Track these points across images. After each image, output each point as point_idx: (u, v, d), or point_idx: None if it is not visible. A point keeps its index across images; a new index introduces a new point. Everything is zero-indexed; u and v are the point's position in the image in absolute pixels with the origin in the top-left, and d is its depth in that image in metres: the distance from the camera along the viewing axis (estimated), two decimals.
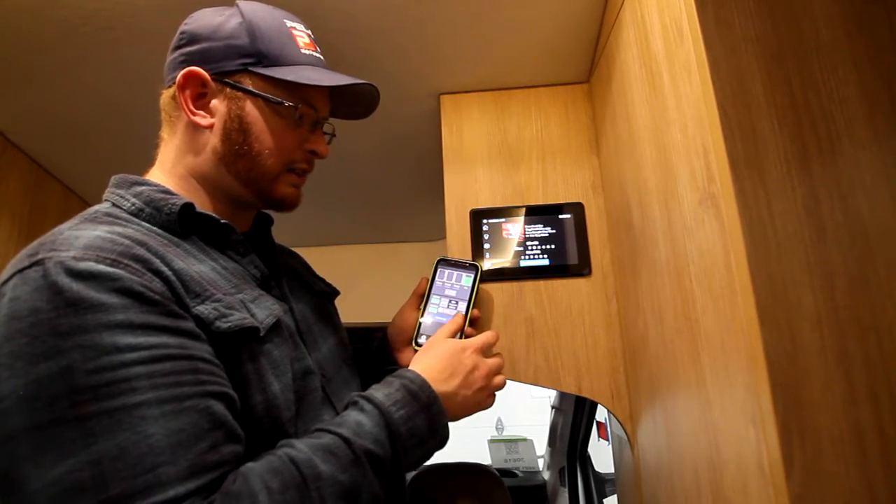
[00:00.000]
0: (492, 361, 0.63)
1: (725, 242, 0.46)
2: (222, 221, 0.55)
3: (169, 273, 0.46)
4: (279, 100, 0.56)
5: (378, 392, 0.53)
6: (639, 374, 0.74)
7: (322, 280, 0.76)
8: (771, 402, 0.39)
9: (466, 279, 0.73)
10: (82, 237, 0.44)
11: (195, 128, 0.57)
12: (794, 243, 0.43)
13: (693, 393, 0.55)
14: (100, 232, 0.46)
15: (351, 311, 1.49)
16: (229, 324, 0.48)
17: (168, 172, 0.58)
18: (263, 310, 0.53)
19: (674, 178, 0.57)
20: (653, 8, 0.60)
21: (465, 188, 0.90)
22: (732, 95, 0.46)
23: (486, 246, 0.87)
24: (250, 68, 0.56)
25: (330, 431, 0.48)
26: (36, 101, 0.90)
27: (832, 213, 0.43)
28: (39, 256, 0.42)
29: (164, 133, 0.60)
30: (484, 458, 2.24)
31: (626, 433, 0.79)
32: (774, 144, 0.45)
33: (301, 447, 0.46)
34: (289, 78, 0.55)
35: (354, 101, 0.66)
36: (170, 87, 0.58)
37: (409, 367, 0.58)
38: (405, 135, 1.03)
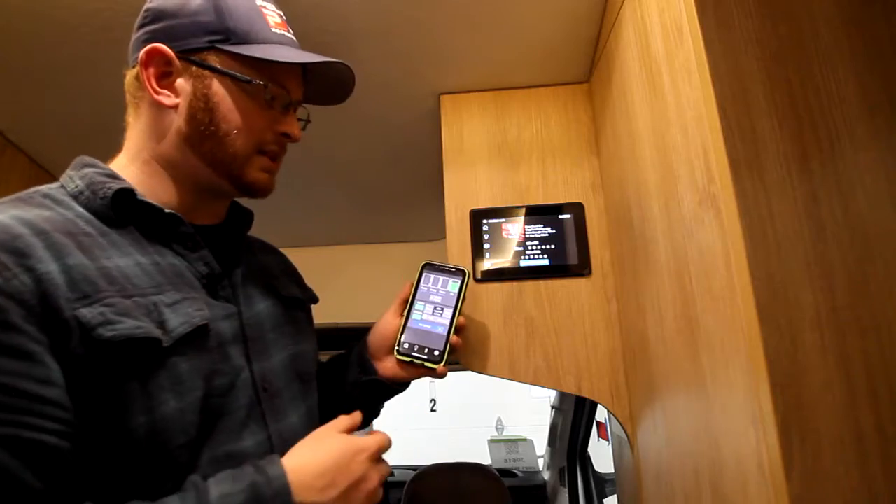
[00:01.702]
0: (380, 474, 0.52)
1: (725, 242, 0.46)
2: (167, 211, 0.51)
3: (49, 270, 0.42)
4: (247, 78, 0.53)
5: (217, 486, 0.44)
6: (639, 374, 0.74)
7: (298, 284, 0.70)
8: (771, 403, 0.40)
9: (453, 285, 0.70)
10: None
11: (159, 108, 0.54)
12: (794, 243, 0.43)
13: (693, 393, 0.55)
14: (3, 216, 0.43)
15: (350, 312, 1.49)
16: (113, 332, 0.42)
17: (132, 158, 0.55)
18: (180, 316, 0.47)
19: (674, 178, 0.57)
20: (653, 8, 0.60)
21: (465, 188, 0.90)
22: (732, 96, 0.46)
23: (486, 246, 0.87)
24: (217, 45, 0.53)
25: None
26: (36, 101, 0.90)
27: (832, 213, 0.43)
28: None
29: (129, 117, 0.57)
30: (484, 458, 2.24)
31: (626, 433, 0.79)
32: (774, 144, 0.45)
33: None
34: (257, 55, 0.52)
35: (329, 85, 0.62)
36: (133, 67, 0.55)
37: (286, 457, 0.48)
38: (405, 135, 1.03)
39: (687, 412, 0.57)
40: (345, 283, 1.49)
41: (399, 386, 0.74)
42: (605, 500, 1.95)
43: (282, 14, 0.60)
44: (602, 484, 1.97)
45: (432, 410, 5.29)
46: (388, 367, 0.72)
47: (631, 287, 0.75)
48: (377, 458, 0.51)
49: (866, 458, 0.39)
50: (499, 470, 1.95)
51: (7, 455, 0.37)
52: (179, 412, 0.45)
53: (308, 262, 1.28)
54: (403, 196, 1.27)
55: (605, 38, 0.80)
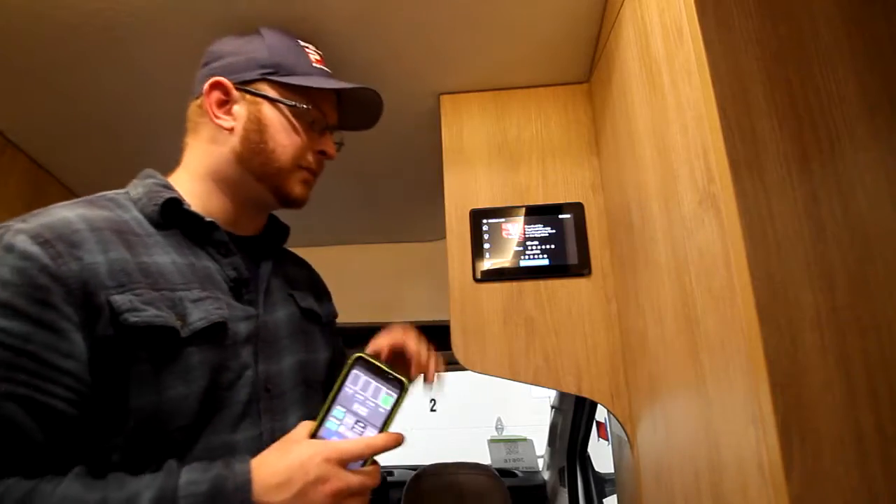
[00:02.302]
0: (352, 477, 0.49)
1: (725, 242, 0.46)
2: (206, 220, 0.58)
3: (96, 261, 0.49)
4: (293, 102, 0.63)
5: (188, 473, 0.47)
6: (638, 374, 0.74)
7: (318, 299, 0.73)
8: (771, 403, 0.40)
9: (386, 398, 0.53)
10: (52, 214, 0.50)
11: (218, 131, 0.62)
12: (794, 243, 0.43)
13: (693, 393, 0.55)
14: (68, 212, 0.51)
15: (350, 311, 1.49)
16: (137, 318, 0.48)
17: (189, 173, 0.63)
18: (200, 311, 0.53)
19: (674, 178, 0.57)
20: (653, 8, 0.60)
21: (464, 188, 0.90)
22: (732, 96, 0.46)
23: (486, 246, 0.87)
24: (268, 77, 0.63)
25: (106, 490, 0.44)
26: (36, 101, 0.90)
27: (832, 214, 0.43)
28: (9, 223, 0.49)
29: (189, 139, 0.65)
30: (484, 458, 2.24)
31: (626, 433, 0.79)
32: (774, 145, 0.45)
33: (60, 490, 0.44)
34: (301, 83, 0.63)
35: (360, 111, 0.72)
36: (197, 98, 0.64)
37: (257, 457, 0.50)
38: (405, 135, 1.03)
39: (687, 412, 0.57)
40: (343, 283, 1.49)
41: None
42: (604, 500, 1.95)
43: (321, 53, 0.72)
44: (602, 484, 1.97)
45: (432, 410, 5.29)
46: None
47: (631, 287, 0.75)
48: (341, 461, 0.49)
49: (866, 458, 0.39)
50: (499, 470, 1.95)
51: (21, 411, 0.44)
52: (184, 398, 0.50)
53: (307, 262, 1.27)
54: (403, 196, 1.27)
55: (604, 38, 0.80)
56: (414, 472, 1.72)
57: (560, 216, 0.87)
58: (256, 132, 0.62)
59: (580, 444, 1.99)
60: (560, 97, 0.93)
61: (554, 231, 0.87)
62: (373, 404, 0.53)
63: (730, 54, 0.47)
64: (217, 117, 0.62)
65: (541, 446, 2.32)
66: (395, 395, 0.53)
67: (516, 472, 2.26)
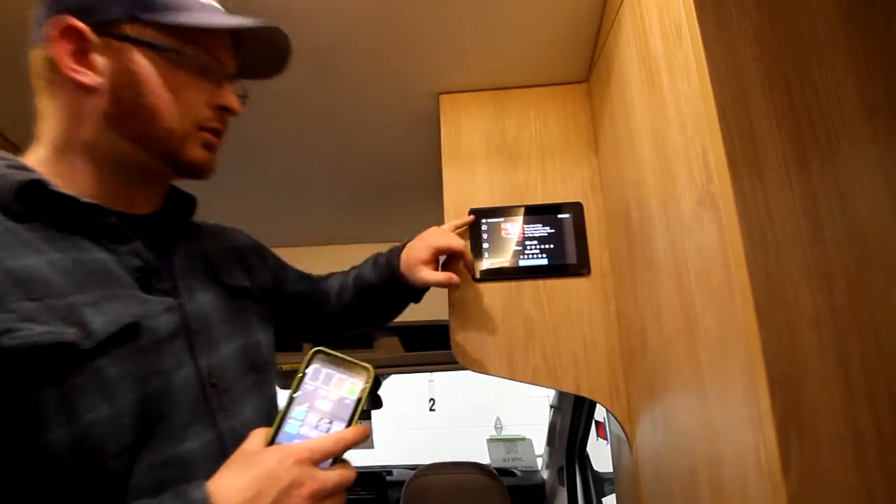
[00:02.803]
0: (328, 475, 0.44)
1: (724, 242, 0.46)
2: (83, 201, 0.46)
3: None
4: (175, 47, 0.49)
5: None
6: (637, 373, 0.74)
7: (248, 271, 0.65)
8: (769, 402, 0.40)
9: (351, 389, 0.49)
10: None
11: (78, 89, 0.48)
12: (793, 243, 0.43)
13: (692, 392, 0.55)
14: None
15: None
16: (15, 341, 0.38)
17: (49, 148, 0.50)
18: (104, 315, 0.43)
19: (672, 177, 0.57)
20: (652, 8, 0.60)
21: (464, 187, 0.90)
22: (731, 95, 0.46)
23: (485, 245, 0.87)
24: (138, 15, 0.48)
25: None
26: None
27: (830, 214, 0.44)
28: None
29: (41, 104, 0.51)
30: (483, 457, 2.25)
31: (625, 432, 0.79)
32: (773, 144, 0.45)
33: None
34: (184, 22, 0.48)
35: (264, 55, 0.58)
36: (40, 46, 0.49)
37: (212, 479, 0.43)
38: (404, 134, 1.03)
39: (685, 411, 0.57)
40: None
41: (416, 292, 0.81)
42: (603, 500, 1.95)
43: None
44: (601, 483, 1.97)
45: (431, 410, 5.29)
46: (422, 274, 0.77)
47: (629, 286, 0.75)
48: (313, 461, 0.44)
49: (864, 456, 0.39)
50: (498, 469, 1.96)
51: None
52: (112, 418, 0.42)
53: (306, 261, 1.28)
54: (402, 195, 1.27)
55: (604, 37, 0.80)
56: (413, 472, 1.72)
57: (559, 216, 0.87)
58: (129, 88, 0.48)
59: (579, 444, 1.99)
60: (559, 97, 0.93)
61: (553, 230, 0.87)
62: (337, 397, 0.48)
63: (729, 54, 0.47)
64: (74, 70, 0.47)
65: (540, 446, 2.33)
66: (362, 384, 0.49)
67: (515, 471, 2.26)
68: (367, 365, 0.50)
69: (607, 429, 1.21)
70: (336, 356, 0.50)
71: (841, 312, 0.41)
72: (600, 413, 2.06)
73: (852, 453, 0.39)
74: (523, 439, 2.40)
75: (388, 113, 0.97)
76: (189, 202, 0.61)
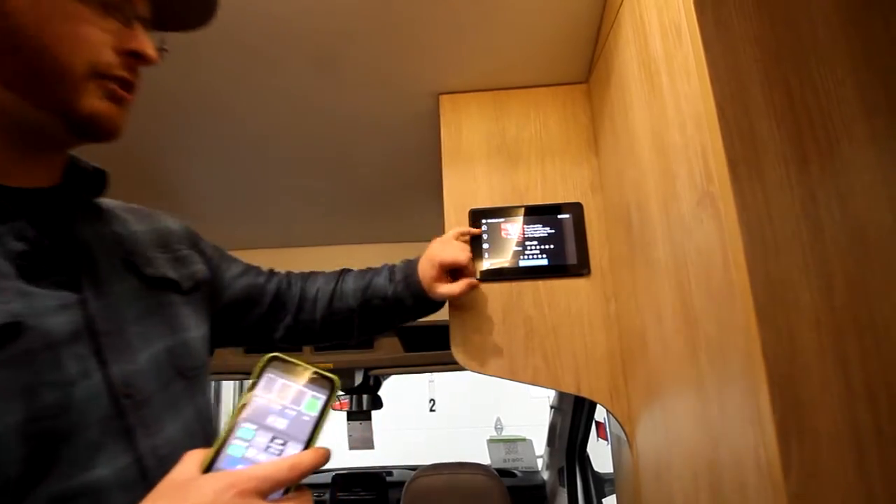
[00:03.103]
0: None
1: (724, 242, 0.46)
2: None
3: None
4: None
5: None
6: (637, 373, 0.74)
7: (179, 258, 0.57)
8: (769, 402, 0.40)
9: (311, 403, 0.41)
10: None
11: None
12: (792, 243, 0.43)
13: (691, 392, 0.55)
14: None
15: None
16: None
17: None
18: None
19: (672, 178, 0.57)
20: (651, 8, 0.60)
21: (463, 188, 0.90)
22: (731, 95, 0.46)
23: (485, 246, 0.87)
24: None
25: None
26: None
27: (830, 214, 0.44)
28: None
29: None
30: (483, 458, 2.24)
31: (625, 433, 0.79)
32: (773, 145, 0.45)
33: None
34: None
35: (185, 2, 0.50)
36: None
37: None
38: (404, 134, 1.04)
39: (685, 412, 0.57)
40: None
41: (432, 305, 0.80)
42: (604, 500, 1.95)
43: None
44: (601, 484, 1.97)
45: (431, 410, 5.29)
46: (440, 288, 0.76)
47: (629, 287, 0.75)
48: (260, 491, 0.36)
49: (864, 457, 0.39)
50: (498, 470, 1.96)
51: None
52: None
53: (304, 262, 1.28)
54: (402, 195, 1.27)
55: (603, 38, 0.81)
56: (413, 473, 1.72)
57: (559, 216, 0.87)
58: (10, 17, 0.39)
59: (579, 445, 1.99)
60: (559, 97, 0.93)
61: (553, 231, 0.87)
62: (294, 413, 0.41)
63: (728, 54, 0.47)
64: None
65: (540, 446, 2.32)
66: (324, 398, 0.41)
67: (515, 472, 2.26)
68: (331, 375, 0.43)
69: (607, 429, 1.21)
70: (295, 364, 0.42)
71: (841, 313, 0.41)
72: (600, 414, 2.06)
73: (852, 453, 0.39)
74: (524, 440, 2.40)
75: (387, 113, 0.97)
76: (97, 177, 0.50)
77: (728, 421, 0.47)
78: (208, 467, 0.38)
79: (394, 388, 2.48)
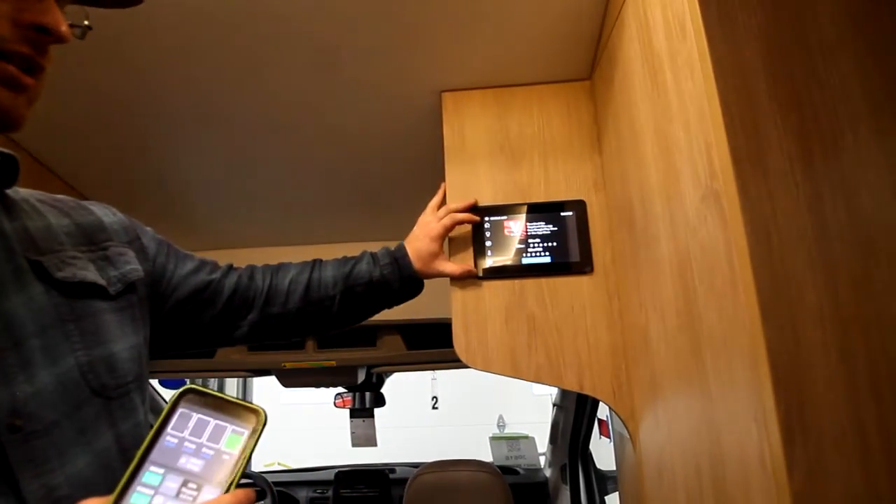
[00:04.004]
0: None
1: (728, 239, 0.45)
2: None
3: None
4: None
5: None
6: (641, 371, 0.74)
7: (108, 257, 0.49)
8: (773, 400, 0.39)
9: (232, 440, 0.37)
10: None
11: None
12: (797, 240, 0.43)
13: (695, 390, 0.55)
14: None
15: None
16: None
17: None
18: None
19: (676, 174, 0.57)
20: (655, 4, 0.60)
21: (466, 186, 0.90)
22: (735, 91, 0.46)
23: (488, 244, 0.87)
24: None
25: None
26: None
27: (835, 211, 0.43)
28: None
29: None
30: (486, 455, 2.25)
31: (628, 430, 0.79)
32: (777, 141, 0.44)
33: None
34: None
35: None
36: None
37: None
38: (406, 131, 1.03)
39: (689, 409, 0.57)
40: None
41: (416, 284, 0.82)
42: (606, 498, 1.95)
43: None
44: (604, 481, 1.97)
45: (434, 408, 5.30)
46: (434, 264, 0.80)
47: (633, 284, 0.75)
48: None
49: (869, 454, 0.39)
50: (500, 467, 1.96)
51: None
52: None
53: (305, 258, 1.27)
54: (403, 193, 1.27)
55: (607, 34, 0.80)
56: (415, 470, 1.73)
57: (562, 214, 0.87)
58: None
59: (582, 442, 1.99)
60: (562, 94, 0.93)
61: (556, 229, 0.86)
62: (211, 452, 0.36)
63: (733, 49, 0.47)
64: None
65: (542, 444, 2.32)
66: (247, 433, 0.37)
67: (518, 469, 2.27)
68: (256, 407, 0.38)
69: (610, 427, 1.21)
70: (214, 396, 0.38)
71: (845, 310, 0.41)
72: (603, 411, 2.05)
73: (857, 452, 0.39)
74: (526, 437, 2.40)
75: (389, 109, 0.97)
76: (8, 164, 0.43)
77: (732, 418, 0.47)
78: (122, 490, 0.33)
79: (396, 385, 2.49)
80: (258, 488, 1.99)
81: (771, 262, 0.42)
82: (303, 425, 4.84)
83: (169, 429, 0.36)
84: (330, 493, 2.09)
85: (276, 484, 2.06)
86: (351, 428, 2.23)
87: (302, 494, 2.16)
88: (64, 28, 0.39)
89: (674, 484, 0.62)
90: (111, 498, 0.33)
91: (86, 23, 0.42)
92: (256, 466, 2.57)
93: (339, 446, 2.52)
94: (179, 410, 0.37)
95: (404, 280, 0.80)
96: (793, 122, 0.45)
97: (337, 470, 2.18)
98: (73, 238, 0.48)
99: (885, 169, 0.44)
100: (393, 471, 2.19)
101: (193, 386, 0.38)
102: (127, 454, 0.43)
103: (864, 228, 0.43)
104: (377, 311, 0.82)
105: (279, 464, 3.68)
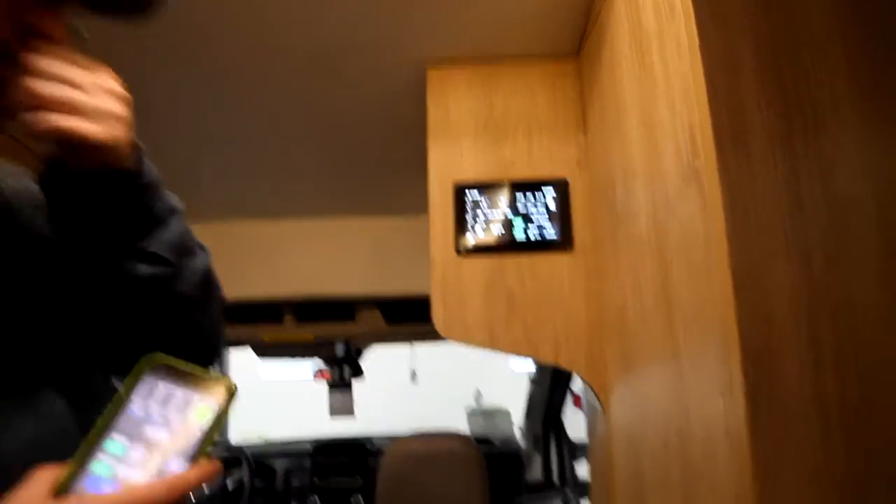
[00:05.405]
0: None
1: (707, 218, 0.46)
2: None
3: None
4: None
5: None
6: (615, 346, 0.76)
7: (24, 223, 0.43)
8: (741, 373, 0.41)
9: (200, 413, 0.36)
10: None
11: None
12: (774, 221, 0.44)
13: (667, 365, 0.56)
14: None
15: (330, 282, 1.48)
16: None
17: None
18: None
19: (658, 154, 0.57)
20: None
21: (449, 161, 0.89)
22: (721, 70, 0.46)
23: (470, 220, 0.87)
24: None
25: None
26: None
27: (812, 192, 0.44)
28: None
29: None
30: (462, 429, 2.30)
31: (600, 402, 0.81)
32: (760, 120, 0.45)
33: None
34: None
35: None
36: None
37: None
38: (389, 104, 1.01)
39: (659, 382, 0.58)
40: (323, 256, 1.48)
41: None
42: (575, 465, 2.03)
43: None
44: (574, 450, 2.05)
45: (413, 382, 5.37)
46: None
47: (612, 263, 0.76)
48: None
49: (829, 430, 0.40)
50: (476, 438, 2.01)
51: None
52: None
53: (281, 232, 1.26)
54: (385, 168, 1.25)
55: (595, 11, 0.79)
56: (391, 441, 1.76)
57: (544, 192, 0.87)
58: None
59: (555, 414, 2.05)
60: (548, 72, 0.92)
61: (537, 207, 0.86)
62: (178, 423, 0.35)
63: (721, 29, 0.46)
64: None
65: (518, 417, 2.39)
66: (215, 405, 0.36)
67: (493, 440, 2.33)
68: (225, 379, 0.37)
69: (583, 399, 1.25)
70: (183, 367, 0.37)
71: (817, 290, 0.42)
72: (577, 386, 2.12)
73: (818, 427, 0.40)
74: (502, 411, 2.47)
75: (372, 80, 0.94)
76: None
77: (701, 391, 0.48)
78: (64, 488, 0.31)
79: (376, 359, 2.50)
80: (234, 458, 2.00)
81: (747, 240, 0.43)
82: (281, 399, 4.85)
83: (134, 397, 0.35)
84: (308, 463, 2.12)
85: (255, 455, 2.07)
86: (329, 399, 2.25)
87: (280, 464, 2.18)
88: (56, 26, 0.38)
89: (641, 453, 0.65)
90: (73, 464, 0.32)
91: (83, 34, 0.41)
92: (234, 439, 2.57)
93: (319, 420, 2.54)
94: (145, 379, 0.36)
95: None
96: (776, 102, 0.45)
97: (315, 441, 2.20)
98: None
99: (863, 153, 0.45)
100: (371, 441, 2.23)
101: (160, 354, 0.37)
102: (81, 417, 0.40)
103: (839, 210, 0.44)
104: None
105: (258, 436, 3.70)
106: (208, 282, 0.50)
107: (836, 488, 0.39)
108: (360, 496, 1.99)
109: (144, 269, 0.43)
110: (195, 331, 0.49)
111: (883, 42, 0.46)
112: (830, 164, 0.44)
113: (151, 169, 0.46)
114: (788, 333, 0.41)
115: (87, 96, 0.37)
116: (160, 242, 0.44)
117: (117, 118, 0.39)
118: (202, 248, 0.51)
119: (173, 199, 0.48)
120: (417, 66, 0.92)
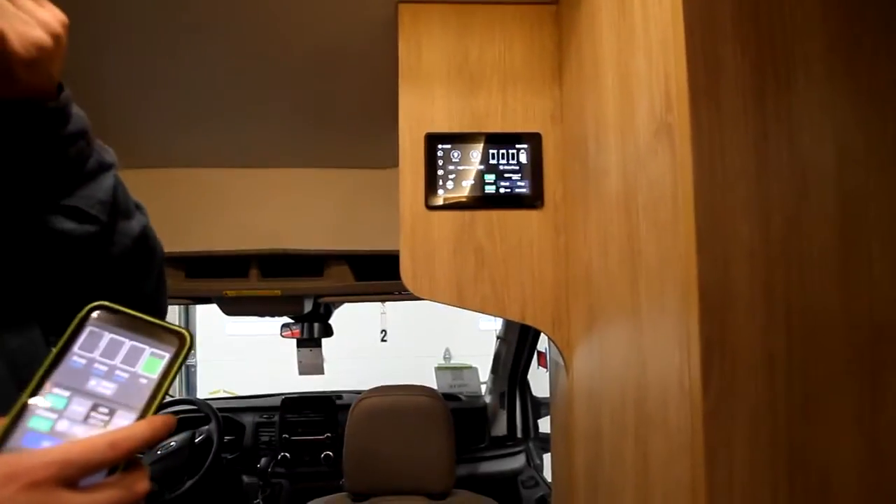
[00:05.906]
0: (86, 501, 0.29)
1: (675, 174, 0.46)
2: None
3: None
4: None
5: None
6: (580, 304, 0.77)
7: None
8: (698, 326, 0.42)
9: (151, 363, 0.34)
10: None
11: None
12: (739, 178, 0.44)
13: (629, 321, 0.57)
14: None
15: (300, 236, 1.44)
16: None
17: None
18: None
19: (632, 108, 0.56)
20: None
21: (420, 110, 0.86)
22: (701, 19, 0.44)
23: (440, 173, 0.84)
24: None
25: None
26: None
27: (778, 150, 0.44)
28: None
29: None
30: (431, 384, 2.35)
31: (564, 359, 0.83)
32: (734, 75, 0.44)
33: None
34: None
35: None
36: None
37: None
38: (356, 44, 0.95)
39: (620, 338, 0.60)
40: (292, 208, 1.43)
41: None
42: (539, 421, 2.12)
43: None
44: (538, 406, 2.13)
45: (383, 341, 5.43)
46: None
47: (581, 220, 0.76)
48: (65, 479, 0.28)
49: (773, 378, 0.42)
50: (444, 394, 2.06)
51: None
52: None
53: (246, 184, 1.20)
54: (351, 115, 1.20)
55: None
56: (359, 394, 1.78)
57: (517, 146, 0.85)
58: None
59: (521, 371, 2.12)
60: (527, 18, 0.88)
61: (509, 161, 0.85)
62: (126, 375, 0.33)
63: None
64: None
65: (485, 374, 2.46)
66: (168, 356, 0.34)
67: (460, 395, 2.40)
68: (179, 329, 0.35)
69: (548, 358, 1.28)
70: (131, 315, 0.34)
71: (774, 246, 0.43)
72: (542, 344, 2.18)
73: (764, 377, 0.42)
74: (469, 367, 2.53)
75: (340, 19, 0.88)
76: None
77: (658, 345, 0.49)
78: (7, 431, 0.30)
79: (346, 319, 2.50)
80: (202, 414, 1.99)
81: (713, 197, 0.43)
82: (249, 356, 4.84)
83: (75, 348, 0.33)
84: (276, 418, 2.14)
85: (222, 410, 2.07)
86: (298, 357, 2.25)
87: (248, 420, 2.19)
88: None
89: (600, 406, 0.67)
90: (6, 419, 0.30)
91: None
92: (201, 393, 2.56)
93: (287, 376, 2.55)
94: (88, 328, 0.34)
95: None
96: (751, 56, 0.44)
97: (284, 396, 2.21)
98: None
99: (829, 113, 0.45)
100: (340, 397, 2.25)
101: (104, 302, 0.34)
102: (20, 374, 0.37)
103: (800, 168, 0.44)
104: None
105: (224, 391, 3.69)
106: (145, 244, 0.47)
107: (777, 432, 0.42)
108: (329, 452, 2.03)
109: (70, 225, 0.40)
110: (134, 293, 0.45)
111: None
112: (798, 126, 0.44)
113: (81, 118, 0.41)
114: (744, 288, 0.42)
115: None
116: (88, 199, 0.41)
117: (48, 33, 0.35)
118: (139, 207, 0.48)
119: (107, 154, 0.44)
120: (389, 6, 0.86)
